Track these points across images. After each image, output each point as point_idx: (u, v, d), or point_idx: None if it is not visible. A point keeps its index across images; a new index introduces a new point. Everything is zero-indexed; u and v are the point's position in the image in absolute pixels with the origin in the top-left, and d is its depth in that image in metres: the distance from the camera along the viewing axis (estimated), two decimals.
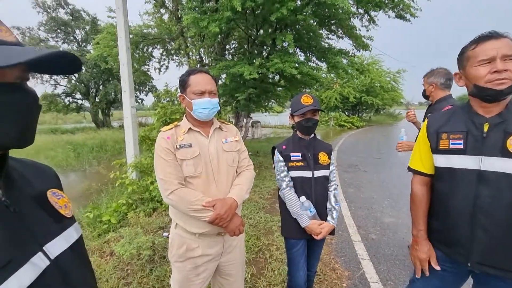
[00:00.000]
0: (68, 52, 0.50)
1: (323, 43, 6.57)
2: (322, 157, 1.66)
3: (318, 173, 1.63)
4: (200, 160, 1.33)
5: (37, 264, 0.52)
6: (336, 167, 6.22)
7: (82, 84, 19.54)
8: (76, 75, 19.23)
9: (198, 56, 7.51)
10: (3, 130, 0.48)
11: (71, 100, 20.64)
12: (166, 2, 7.33)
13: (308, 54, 6.54)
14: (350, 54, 6.27)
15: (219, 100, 7.01)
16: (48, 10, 17.86)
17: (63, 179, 5.66)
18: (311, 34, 6.36)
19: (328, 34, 6.69)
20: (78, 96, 20.65)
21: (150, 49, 9.41)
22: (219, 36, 6.40)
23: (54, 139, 13.13)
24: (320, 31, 6.70)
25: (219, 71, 5.56)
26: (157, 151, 1.32)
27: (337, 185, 1.75)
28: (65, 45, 19.09)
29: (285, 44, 6.18)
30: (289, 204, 1.62)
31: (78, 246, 0.65)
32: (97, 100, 20.00)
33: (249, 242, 3.01)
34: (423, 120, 2.41)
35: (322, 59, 6.32)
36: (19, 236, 0.52)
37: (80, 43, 19.63)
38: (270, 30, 6.08)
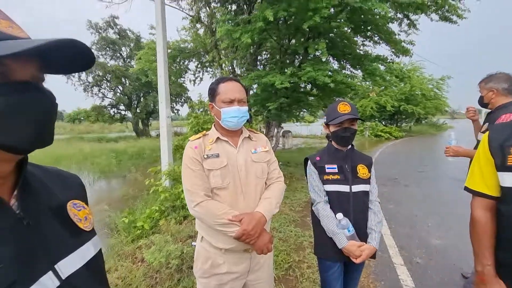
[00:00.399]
0: (77, 40, 0.45)
1: (358, 51, 6.30)
2: (361, 170, 1.50)
3: (356, 188, 1.47)
4: (227, 171, 1.28)
5: (45, 284, 0.48)
6: None
7: (126, 96, 21.21)
8: (120, 87, 21.00)
9: (230, 67, 7.69)
10: (16, 131, 0.44)
11: (115, 111, 22.50)
12: (202, 17, 7.68)
13: (342, 62, 6.31)
14: (388, 60, 5.90)
15: (250, 110, 7.06)
16: (100, 31, 19.92)
17: (106, 184, 6.07)
18: (345, 41, 6.15)
19: (364, 41, 6.41)
20: (122, 107, 22.44)
21: (186, 62, 9.93)
22: (251, 47, 6.49)
23: (100, 147, 14.33)
24: (355, 38, 6.46)
25: (251, 81, 5.60)
26: (184, 160, 1.29)
27: (379, 202, 1.56)
28: (112, 61, 21.05)
29: (317, 53, 6.05)
30: (324, 221, 1.47)
31: (94, 263, 0.60)
32: (138, 111, 21.53)
33: (278, 258, 2.86)
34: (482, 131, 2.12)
35: (357, 66, 6.04)
36: (30, 253, 0.48)
37: (125, 59, 21.48)
38: (302, 39, 6.01)
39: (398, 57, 5.95)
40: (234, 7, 6.79)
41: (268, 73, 5.48)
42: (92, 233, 0.63)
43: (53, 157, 10.99)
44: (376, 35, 5.97)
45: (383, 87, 18.01)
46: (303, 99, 7.09)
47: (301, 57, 6.39)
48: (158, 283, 2.53)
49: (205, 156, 1.28)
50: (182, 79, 11.08)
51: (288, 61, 6.59)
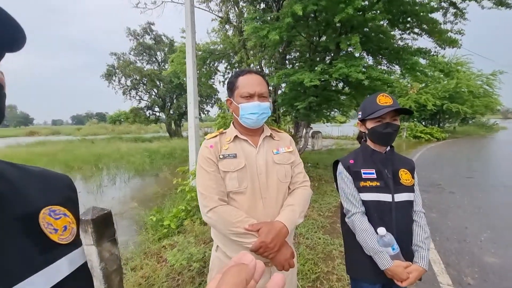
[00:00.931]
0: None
1: (395, 45, 5.80)
2: (404, 176, 1.26)
3: (400, 197, 1.24)
4: (245, 173, 1.13)
5: None
6: None
7: (160, 99, 22.25)
8: (155, 90, 22.09)
9: (258, 67, 7.59)
10: None
11: (150, 112, 23.72)
12: (231, 17, 7.70)
13: (378, 57, 5.86)
14: (432, 53, 5.32)
15: (279, 110, 6.87)
16: (137, 37, 21.15)
17: (138, 182, 6.30)
18: (381, 35, 5.69)
19: (402, 34, 5.88)
20: (156, 109, 23.60)
21: (215, 64, 10.07)
22: (280, 45, 6.31)
23: (135, 146, 15.17)
24: (392, 32, 5.96)
25: (279, 80, 5.43)
26: (198, 160, 1.18)
27: (424, 213, 1.30)
28: (148, 66, 22.22)
29: (350, 49, 5.69)
30: (362, 236, 1.24)
31: (69, 285, 0.49)
32: (170, 112, 22.46)
33: (304, 267, 2.66)
34: None
35: (395, 61, 5.55)
36: None
37: (160, 63, 22.55)
38: (334, 35, 5.69)
39: (444, 49, 5.34)
40: (262, 5, 6.68)
41: (297, 71, 5.26)
42: (70, 247, 0.52)
43: (96, 155, 11.89)
44: (416, 27, 5.44)
45: (423, 84, 16.65)
46: (334, 98, 6.73)
47: (332, 54, 6.06)
48: (179, 285, 2.48)
49: (221, 156, 1.15)
50: (212, 80, 11.26)
51: (318, 59, 6.30)
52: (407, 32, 5.73)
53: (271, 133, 1.27)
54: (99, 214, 1.96)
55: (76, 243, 0.54)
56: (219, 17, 7.88)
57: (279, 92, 7.40)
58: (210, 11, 7.83)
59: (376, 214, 1.25)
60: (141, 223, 4.44)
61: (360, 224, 1.26)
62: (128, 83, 21.50)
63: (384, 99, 1.21)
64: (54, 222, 0.51)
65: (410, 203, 1.26)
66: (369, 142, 1.33)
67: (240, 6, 7.20)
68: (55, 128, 66.41)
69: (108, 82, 21.43)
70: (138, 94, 22.26)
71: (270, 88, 7.38)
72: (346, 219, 1.36)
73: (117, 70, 21.20)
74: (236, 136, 1.20)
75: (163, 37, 21.94)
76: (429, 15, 4.98)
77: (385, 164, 1.28)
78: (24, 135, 37.16)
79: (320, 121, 8.89)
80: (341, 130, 23.62)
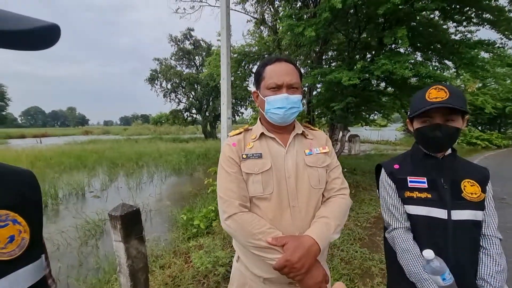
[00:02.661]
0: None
1: (450, 38, 5.14)
2: (469, 188, 0.98)
3: (459, 214, 0.97)
4: (271, 176, 0.97)
5: None
6: None
7: (197, 101, 23.16)
8: (193, 93, 23.07)
9: None
10: None
11: (188, 114, 24.81)
12: (266, 18, 7.62)
13: (428, 53, 5.25)
14: (497, 45, 4.58)
15: (313, 112, 6.56)
16: (178, 43, 22.32)
17: (175, 180, 6.51)
18: (431, 29, 5.09)
19: (458, 26, 5.20)
20: (193, 111, 24.61)
21: (250, 66, 10.10)
22: (316, 43, 6.03)
23: (173, 146, 15.92)
24: (444, 26, 5.31)
25: (314, 79, 5.16)
26: (220, 160, 1.05)
27: (500, 239, 1.00)
28: (187, 69, 23.31)
29: (394, 45, 5.19)
30: (403, 258, 1.01)
31: None
32: (206, 114, 23.24)
33: None
34: None
35: (449, 56, 4.90)
36: None
37: (198, 67, 23.50)
38: (376, 30, 5.26)
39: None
40: (299, 3, 6.47)
41: (334, 70, 4.95)
42: (14, 264, 0.41)
43: (138, 153, 12.72)
44: (476, 17, 4.75)
45: (480, 84, 14.79)
46: (375, 98, 6.21)
47: (373, 51, 5.60)
48: None
49: (244, 156, 1.00)
50: (247, 82, 11.33)
51: (357, 57, 5.88)
52: (464, 24, 5.05)
53: (303, 131, 1.10)
54: (128, 211, 1.96)
55: (26, 258, 0.43)
56: (255, 18, 7.86)
57: (314, 92, 7.09)
58: (246, 12, 7.86)
59: (424, 232, 1.00)
60: (173, 221, 4.53)
61: (401, 242, 1.02)
62: (169, 86, 22.80)
63: (435, 93, 0.94)
64: None
65: (475, 224, 0.98)
66: (420, 145, 1.08)
67: (276, 5, 7.08)
68: (106, 128, 73.35)
69: (151, 86, 22.95)
70: (177, 96, 23.49)
71: (305, 88, 7.12)
72: (386, 234, 1.13)
73: (159, 75, 22.61)
74: (262, 134, 1.05)
75: (201, 41, 22.87)
76: (494, 2, 4.31)
77: (441, 172, 1.01)
78: (80, 134, 41.58)
79: (358, 124, 8.34)
80: (381, 135, 22.11)
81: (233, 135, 1.09)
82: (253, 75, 10.39)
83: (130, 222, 1.97)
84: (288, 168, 1.00)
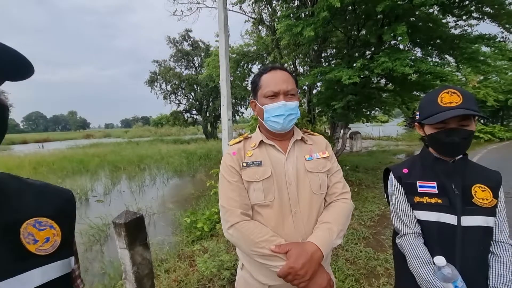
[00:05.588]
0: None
1: (450, 33, 5.11)
2: (480, 194, 0.96)
3: (470, 220, 0.95)
4: (272, 183, 0.97)
5: None
6: None
7: (197, 102, 23.15)
8: (193, 94, 23.07)
9: (292, 66, 7.36)
10: None
11: (188, 115, 24.81)
12: (264, 17, 7.60)
13: (428, 49, 5.21)
14: (498, 39, 4.54)
15: (314, 110, 6.54)
16: (176, 44, 22.30)
17: (177, 182, 6.53)
18: (431, 25, 5.05)
19: (458, 20, 5.16)
20: (194, 112, 24.61)
21: (249, 66, 10.08)
22: (315, 42, 6.01)
23: (174, 148, 15.94)
24: (444, 20, 5.26)
25: (314, 78, 5.15)
26: (221, 169, 1.05)
27: None
28: (186, 71, 23.29)
29: (394, 41, 5.16)
30: (413, 264, 0.99)
31: None
32: (207, 115, 23.25)
33: (344, 284, 2.40)
34: None
35: (450, 51, 4.87)
36: None
37: (197, 68, 23.48)
38: (374, 27, 5.22)
39: None
40: (296, 2, 6.44)
41: (334, 69, 4.93)
42: (47, 259, 0.54)
43: (139, 156, 12.75)
44: (475, 11, 4.71)
45: (481, 77, 14.71)
46: (375, 95, 6.19)
47: (373, 48, 5.58)
48: None
49: (244, 164, 1.00)
50: (246, 82, 11.31)
51: (357, 54, 5.85)
52: (464, 18, 5.01)
53: (302, 136, 1.10)
54: (131, 218, 1.96)
55: (57, 256, 0.55)
56: (252, 18, 7.83)
57: (314, 91, 7.08)
58: (243, 12, 7.83)
59: (435, 239, 0.99)
60: (177, 224, 4.54)
61: (411, 248, 1.01)
62: (168, 88, 22.80)
63: (448, 98, 0.92)
64: (36, 233, 0.54)
65: (486, 230, 0.96)
66: (431, 148, 1.06)
67: (274, 5, 7.05)
68: (107, 131, 73.54)
69: (150, 88, 22.95)
70: (177, 98, 23.49)
71: (305, 87, 7.09)
72: (396, 240, 1.11)
73: (158, 76, 22.61)
74: (261, 141, 1.05)
75: (199, 42, 22.82)
76: None
77: (451, 177, 1.00)
78: (81, 138, 41.71)
79: (359, 121, 8.33)
80: (382, 130, 22.05)
81: (233, 144, 1.09)
82: (252, 74, 10.43)
83: (134, 229, 1.97)
84: (288, 175, 1.00)
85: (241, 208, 0.96)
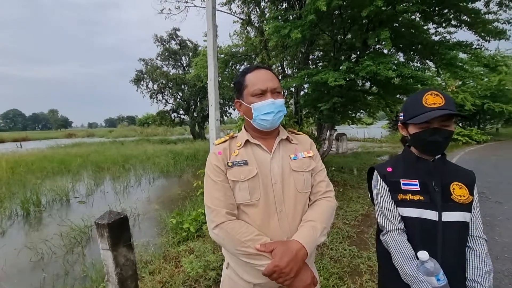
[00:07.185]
0: None
1: (430, 39, 5.33)
2: (458, 191, 1.03)
3: (449, 216, 1.01)
4: (258, 182, 0.99)
5: None
6: None
7: (184, 102, 22.89)
8: (180, 93, 22.79)
9: (280, 68, 7.42)
10: None
11: (176, 115, 24.48)
12: (252, 19, 7.62)
13: (410, 54, 5.42)
14: (474, 47, 4.79)
15: (301, 112, 6.61)
16: (164, 43, 21.97)
17: (163, 183, 6.44)
18: (413, 31, 5.26)
19: (437, 27, 5.39)
20: (181, 112, 24.31)
21: (238, 66, 10.07)
22: (302, 44, 6.10)
23: (161, 148, 15.68)
24: (425, 27, 5.49)
25: (301, 80, 5.22)
26: (206, 169, 1.05)
27: (486, 240, 1.05)
28: (174, 70, 22.99)
29: (379, 46, 5.32)
30: (398, 259, 1.04)
31: None
32: (194, 115, 23.02)
33: (329, 282, 2.44)
34: None
35: (430, 57, 5.09)
36: None
37: (185, 67, 23.23)
38: (360, 31, 5.37)
39: (488, 41, 4.78)
40: (285, 4, 6.51)
41: (320, 71, 5.02)
42: None
43: (124, 156, 12.44)
44: (454, 19, 4.94)
45: (460, 82, 15.39)
46: (360, 98, 6.36)
47: (358, 52, 5.73)
48: None
49: (230, 164, 1.01)
50: None
51: (343, 58, 5.99)
52: (443, 25, 5.24)
53: (287, 136, 1.12)
54: (115, 219, 1.92)
55: None
56: (241, 19, 7.84)
57: (302, 93, 7.17)
58: (232, 13, 7.82)
59: (418, 235, 1.03)
60: (162, 225, 4.47)
61: (396, 244, 1.05)
62: (155, 87, 22.41)
63: (432, 99, 0.98)
64: None
65: (463, 225, 1.02)
66: (413, 148, 1.11)
67: (262, 6, 7.09)
68: (90, 130, 71.25)
69: (136, 87, 22.48)
70: (164, 97, 23.14)
71: (292, 89, 7.17)
72: (381, 237, 1.15)
73: (145, 75, 22.18)
74: (247, 141, 1.06)
75: (187, 42, 22.61)
76: (470, 4, 4.49)
77: (432, 175, 1.05)
78: (63, 137, 40.18)
79: (344, 122, 8.52)
80: (367, 132, 22.64)
81: (219, 144, 1.09)
82: None
83: (118, 230, 1.93)
84: (274, 174, 1.01)
85: (227, 208, 0.96)
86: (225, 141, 1.09)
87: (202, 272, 2.40)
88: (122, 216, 1.97)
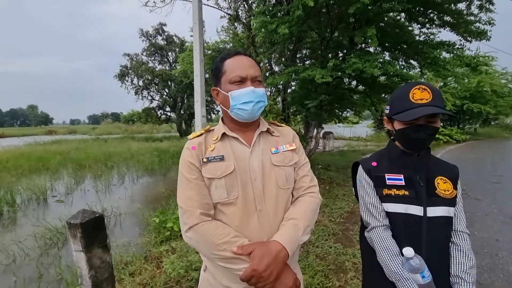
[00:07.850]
0: None
1: (415, 39, 5.43)
2: (442, 185, 1.00)
3: (434, 211, 0.98)
4: (235, 179, 0.90)
5: None
6: None
7: (171, 99, 22.41)
8: (166, 90, 22.30)
9: (268, 65, 7.36)
10: None
11: (162, 112, 23.94)
12: (240, 14, 7.51)
13: (395, 52, 5.50)
14: (456, 46, 4.91)
15: (288, 109, 6.59)
16: (150, 38, 21.40)
17: (147, 181, 6.25)
18: (398, 30, 5.33)
19: (421, 28, 5.50)
20: (167, 109, 23.81)
21: None
22: (290, 41, 6.06)
23: (146, 146, 15.28)
24: (410, 27, 5.58)
25: (288, 77, 5.18)
26: (180, 165, 0.96)
27: (469, 234, 1.03)
28: (160, 66, 22.44)
29: (365, 44, 5.36)
30: (382, 256, 1.00)
31: None
32: (181, 112, 22.58)
33: (314, 280, 2.41)
34: None
35: (414, 56, 5.18)
36: None
37: (171, 63, 22.73)
38: (347, 29, 5.39)
39: (470, 42, 4.91)
40: (272, 0, 6.44)
41: (308, 68, 5.00)
42: None
43: (106, 153, 12.03)
44: (438, 19, 5.05)
45: (442, 83, 15.92)
46: (347, 96, 6.42)
47: (345, 50, 5.76)
48: None
49: (204, 160, 0.92)
50: None
51: (330, 55, 6.00)
52: (427, 25, 5.35)
53: (268, 128, 1.03)
54: (89, 218, 1.80)
55: None
56: (228, 14, 7.71)
57: (289, 90, 7.15)
58: (219, 8, 7.67)
59: (402, 230, 1.00)
60: (145, 224, 4.32)
61: (381, 241, 1.01)
62: (140, 83, 21.82)
63: (420, 94, 0.93)
64: None
65: (448, 220, 0.99)
66: (398, 143, 1.08)
67: (250, 1, 7.00)
68: (72, 127, 68.69)
69: (121, 82, 21.80)
70: (150, 94, 22.57)
71: (280, 86, 7.13)
72: (365, 234, 1.11)
73: (130, 71, 21.54)
74: (224, 134, 0.97)
75: (174, 37, 22.13)
76: (453, 6, 4.59)
77: (417, 170, 1.02)
78: (43, 134, 38.48)
79: (331, 121, 8.60)
80: (353, 131, 23.06)
81: (193, 138, 1.00)
82: None
83: (92, 230, 1.81)
84: (253, 169, 0.93)
85: (201, 208, 0.88)
86: (201, 134, 0.99)
87: (184, 272, 2.31)
88: (97, 215, 1.85)
